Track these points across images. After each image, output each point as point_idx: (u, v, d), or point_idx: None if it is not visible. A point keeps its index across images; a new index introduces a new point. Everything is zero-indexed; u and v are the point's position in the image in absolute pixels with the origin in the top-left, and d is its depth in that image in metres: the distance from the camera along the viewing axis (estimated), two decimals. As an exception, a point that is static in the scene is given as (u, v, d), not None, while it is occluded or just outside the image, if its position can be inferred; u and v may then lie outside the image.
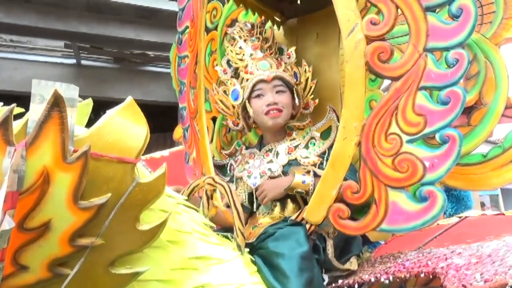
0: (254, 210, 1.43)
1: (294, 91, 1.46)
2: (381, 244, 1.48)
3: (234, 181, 1.49)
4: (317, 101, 1.55)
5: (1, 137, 0.62)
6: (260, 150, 1.48)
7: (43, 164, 0.64)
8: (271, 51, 1.52)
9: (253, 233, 1.27)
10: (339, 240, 1.25)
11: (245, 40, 1.53)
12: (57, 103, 0.64)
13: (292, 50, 1.55)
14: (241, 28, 1.56)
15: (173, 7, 3.99)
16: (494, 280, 0.73)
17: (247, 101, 1.45)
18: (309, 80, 1.53)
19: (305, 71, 1.53)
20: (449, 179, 1.12)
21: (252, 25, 1.58)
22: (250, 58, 1.48)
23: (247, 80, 1.44)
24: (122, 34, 4.44)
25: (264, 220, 1.36)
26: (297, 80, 1.51)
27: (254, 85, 1.42)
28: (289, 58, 1.53)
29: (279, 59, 1.50)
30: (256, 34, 1.55)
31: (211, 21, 1.90)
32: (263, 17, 1.86)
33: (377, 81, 1.55)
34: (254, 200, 1.42)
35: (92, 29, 4.32)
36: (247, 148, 1.57)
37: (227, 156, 1.61)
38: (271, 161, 1.42)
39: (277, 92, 1.41)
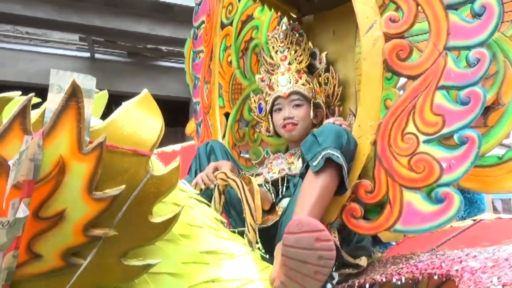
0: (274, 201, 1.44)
1: (312, 104, 1.49)
2: (393, 245, 1.46)
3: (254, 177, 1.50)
4: (341, 108, 1.57)
5: (19, 126, 0.62)
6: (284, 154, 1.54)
7: (59, 154, 0.64)
8: (300, 60, 1.56)
9: (271, 217, 1.29)
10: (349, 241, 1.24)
11: (276, 51, 1.59)
12: (74, 93, 0.64)
13: (323, 55, 1.61)
14: (276, 38, 1.62)
15: (188, 2, 4.01)
16: (512, 285, 0.72)
17: (269, 114, 1.56)
18: (336, 86, 1.57)
19: (332, 77, 1.58)
20: (462, 181, 1.09)
21: (286, 34, 1.61)
22: (275, 72, 1.55)
23: (269, 95, 1.54)
24: (136, 29, 4.47)
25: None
26: (320, 87, 1.56)
27: (273, 101, 1.52)
28: (320, 63, 1.61)
29: (301, 71, 1.53)
30: (287, 44, 1.59)
31: (227, 16, 1.89)
32: (279, 13, 1.85)
33: (393, 80, 1.53)
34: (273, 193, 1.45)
35: (107, 23, 4.35)
36: (274, 153, 1.61)
37: (256, 165, 1.66)
38: (292, 163, 1.47)
39: (294, 106, 1.48)
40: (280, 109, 1.50)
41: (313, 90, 1.50)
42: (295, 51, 1.57)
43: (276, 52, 1.59)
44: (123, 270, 0.74)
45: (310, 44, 1.65)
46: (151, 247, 0.78)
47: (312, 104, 1.49)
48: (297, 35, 1.62)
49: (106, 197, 0.68)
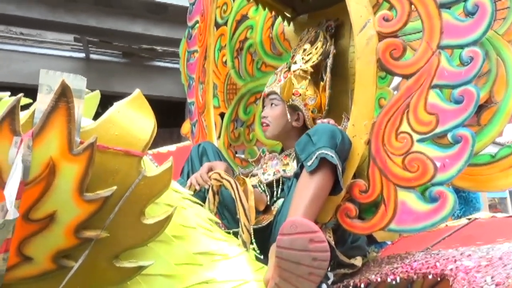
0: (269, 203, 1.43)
1: (287, 105, 1.44)
2: (388, 244, 1.46)
3: (249, 178, 1.50)
4: (325, 120, 1.53)
5: (7, 127, 0.61)
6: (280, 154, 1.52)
7: (49, 155, 0.63)
8: (307, 59, 1.53)
9: (265, 217, 1.29)
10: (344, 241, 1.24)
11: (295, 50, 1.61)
12: (64, 94, 0.63)
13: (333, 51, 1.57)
14: (301, 39, 1.63)
15: (183, 2, 3.99)
16: (506, 284, 0.71)
17: None
18: (326, 90, 1.53)
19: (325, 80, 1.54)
20: (456, 180, 1.09)
21: (307, 32, 1.62)
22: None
23: None
24: (131, 29, 4.44)
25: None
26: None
27: (262, 100, 1.57)
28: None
29: (289, 71, 1.50)
30: (302, 43, 1.59)
31: (221, 16, 1.89)
32: (273, 13, 1.85)
33: (387, 79, 1.53)
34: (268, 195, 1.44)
35: (102, 23, 4.32)
36: (270, 153, 1.58)
37: (253, 163, 1.64)
38: (287, 164, 1.45)
39: (272, 105, 1.48)
40: (264, 108, 1.52)
41: (288, 90, 1.43)
42: (304, 50, 1.55)
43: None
44: (115, 272, 0.74)
45: (332, 41, 1.59)
46: (144, 249, 0.78)
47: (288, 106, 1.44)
48: (313, 33, 1.60)
49: (98, 198, 0.68)
